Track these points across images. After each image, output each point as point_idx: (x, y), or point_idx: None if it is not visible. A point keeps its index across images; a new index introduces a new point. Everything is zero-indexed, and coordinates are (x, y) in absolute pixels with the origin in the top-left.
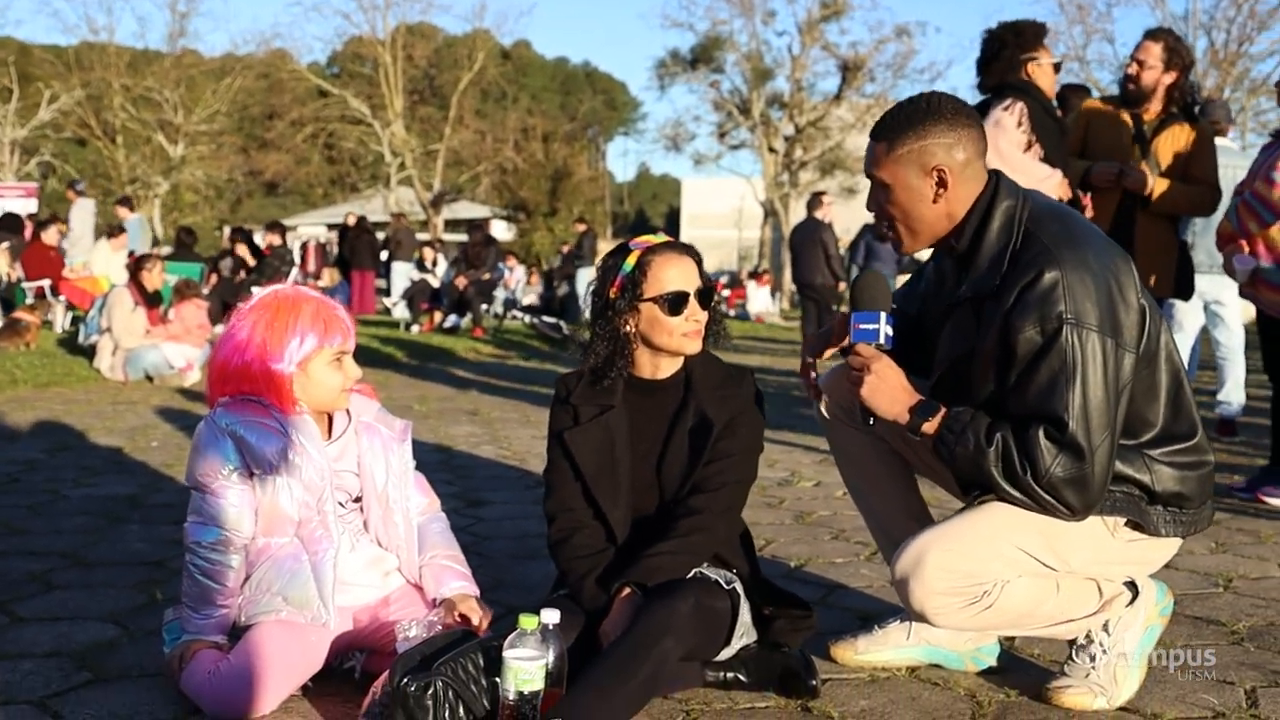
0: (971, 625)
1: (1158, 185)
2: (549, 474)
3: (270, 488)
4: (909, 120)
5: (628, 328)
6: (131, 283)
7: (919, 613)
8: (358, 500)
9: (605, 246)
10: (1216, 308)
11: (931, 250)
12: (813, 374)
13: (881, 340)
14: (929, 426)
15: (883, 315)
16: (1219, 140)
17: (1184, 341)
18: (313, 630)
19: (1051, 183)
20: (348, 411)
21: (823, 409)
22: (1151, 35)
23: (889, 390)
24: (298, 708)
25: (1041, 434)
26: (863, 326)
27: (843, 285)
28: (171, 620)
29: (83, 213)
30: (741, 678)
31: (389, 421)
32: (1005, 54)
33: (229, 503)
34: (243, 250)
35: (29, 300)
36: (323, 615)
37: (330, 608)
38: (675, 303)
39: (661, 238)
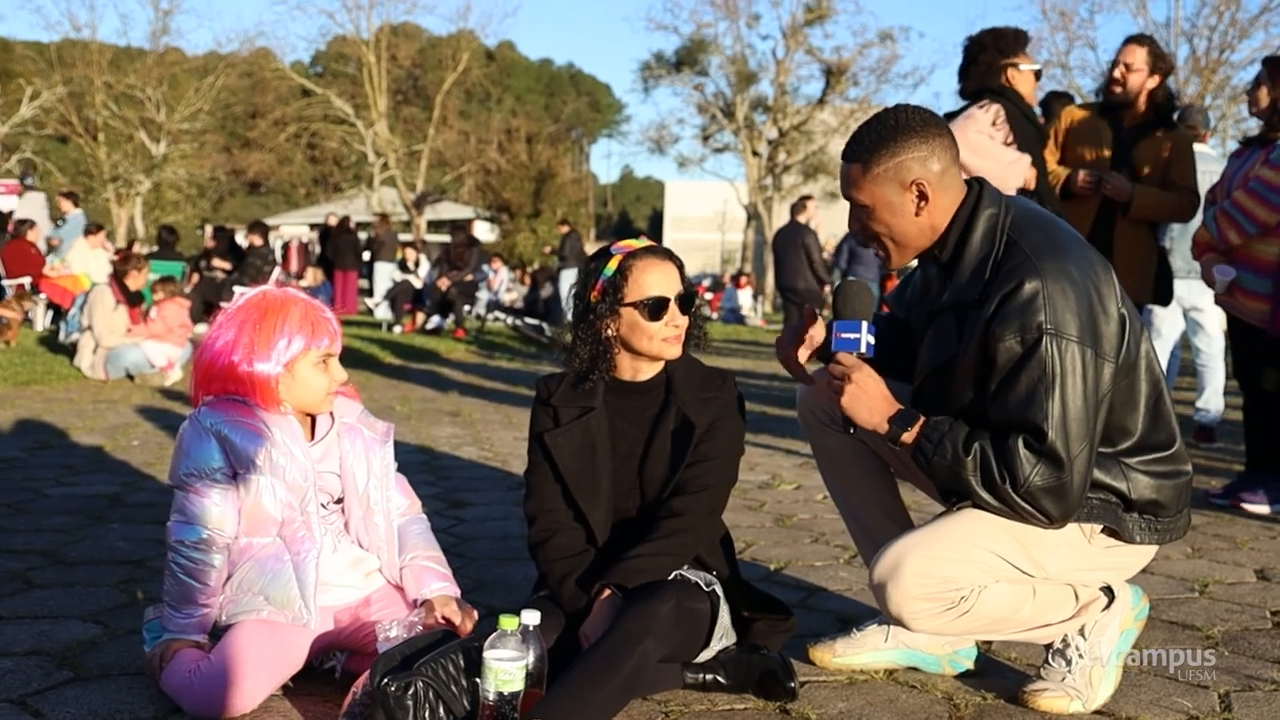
0: (949, 630)
1: (1137, 192)
2: (529, 475)
3: (254, 488)
4: (880, 138)
5: (609, 331)
6: (113, 281)
7: (896, 617)
8: (339, 501)
9: (589, 248)
10: (1195, 314)
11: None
12: (798, 358)
13: (863, 349)
14: (907, 436)
15: (864, 324)
16: (1198, 147)
17: (1163, 348)
18: (294, 630)
19: (1019, 166)
20: (331, 413)
21: (805, 412)
22: (1136, 40)
23: (869, 400)
24: (278, 707)
25: (1021, 444)
26: (844, 335)
27: (828, 289)
28: (152, 619)
29: (32, 207)
30: (720, 679)
31: (371, 423)
32: (984, 58)
33: (212, 502)
34: (219, 260)
35: (9, 296)
36: (304, 615)
37: (312, 608)
38: (655, 308)
39: (644, 242)
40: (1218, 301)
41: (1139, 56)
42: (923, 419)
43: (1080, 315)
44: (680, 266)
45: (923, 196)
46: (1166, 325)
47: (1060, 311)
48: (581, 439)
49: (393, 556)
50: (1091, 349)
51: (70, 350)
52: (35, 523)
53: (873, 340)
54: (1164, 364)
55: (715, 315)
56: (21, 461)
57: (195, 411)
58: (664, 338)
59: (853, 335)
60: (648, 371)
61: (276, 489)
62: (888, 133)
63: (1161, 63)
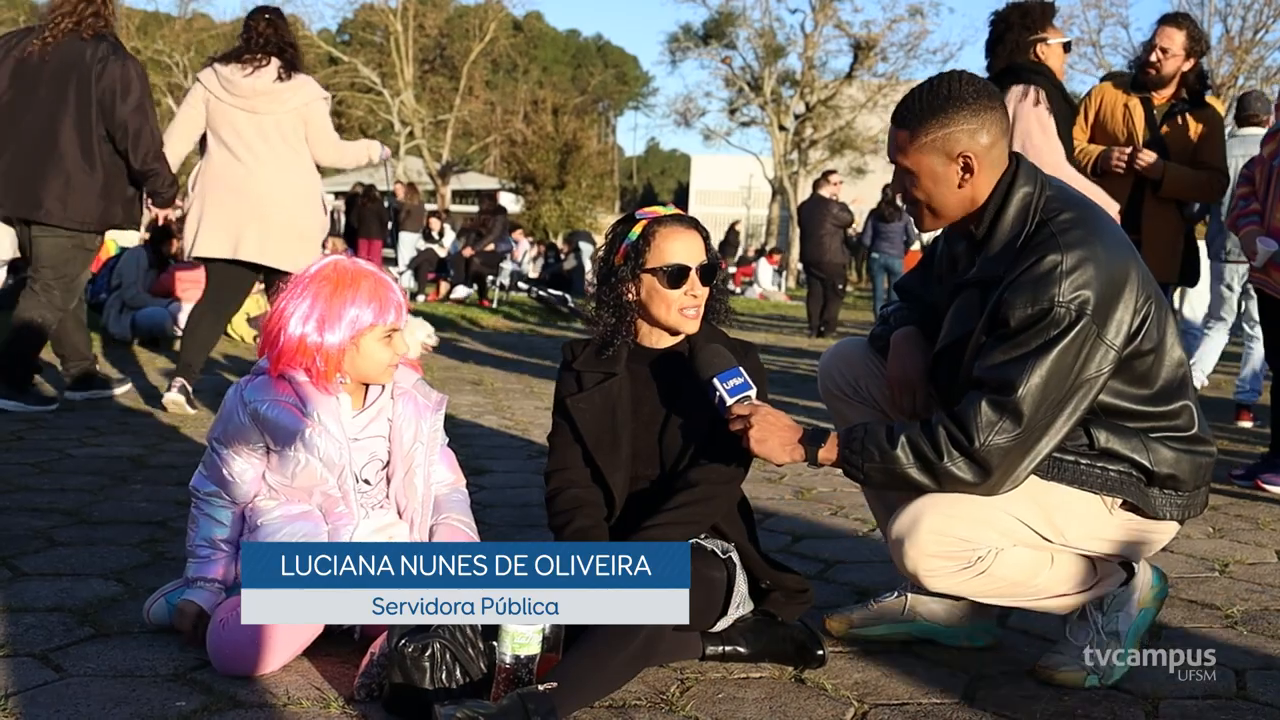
0: (964, 591)
1: (1167, 170)
2: (552, 437)
3: (289, 464)
4: (932, 107)
5: (629, 296)
6: (149, 245)
7: (912, 573)
8: (386, 466)
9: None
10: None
11: (934, 232)
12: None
13: (730, 400)
14: (825, 454)
15: (715, 380)
16: (1255, 130)
17: (1187, 329)
18: None
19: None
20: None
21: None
22: (1173, 22)
23: (776, 433)
24: (297, 666)
25: (984, 402)
26: (716, 400)
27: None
28: (174, 590)
29: None
30: (741, 650)
31: (426, 392)
32: (1011, 36)
33: (235, 470)
34: None
35: None
36: None
37: None
38: (674, 275)
39: (671, 210)
40: (1252, 278)
41: (1176, 41)
42: (834, 433)
43: (1096, 294)
44: (706, 237)
45: (968, 169)
46: (1199, 304)
47: (1076, 287)
48: (602, 404)
49: (425, 521)
50: (1097, 329)
51: (97, 310)
52: (59, 482)
53: (735, 381)
54: (1186, 342)
55: (739, 290)
56: (47, 421)
57: (242, 383)
58: (681, 307)
59: (717, 395)
60: (671, 339)
61: (312, 465)
62: (940, 102)
63: (1198, 45)
